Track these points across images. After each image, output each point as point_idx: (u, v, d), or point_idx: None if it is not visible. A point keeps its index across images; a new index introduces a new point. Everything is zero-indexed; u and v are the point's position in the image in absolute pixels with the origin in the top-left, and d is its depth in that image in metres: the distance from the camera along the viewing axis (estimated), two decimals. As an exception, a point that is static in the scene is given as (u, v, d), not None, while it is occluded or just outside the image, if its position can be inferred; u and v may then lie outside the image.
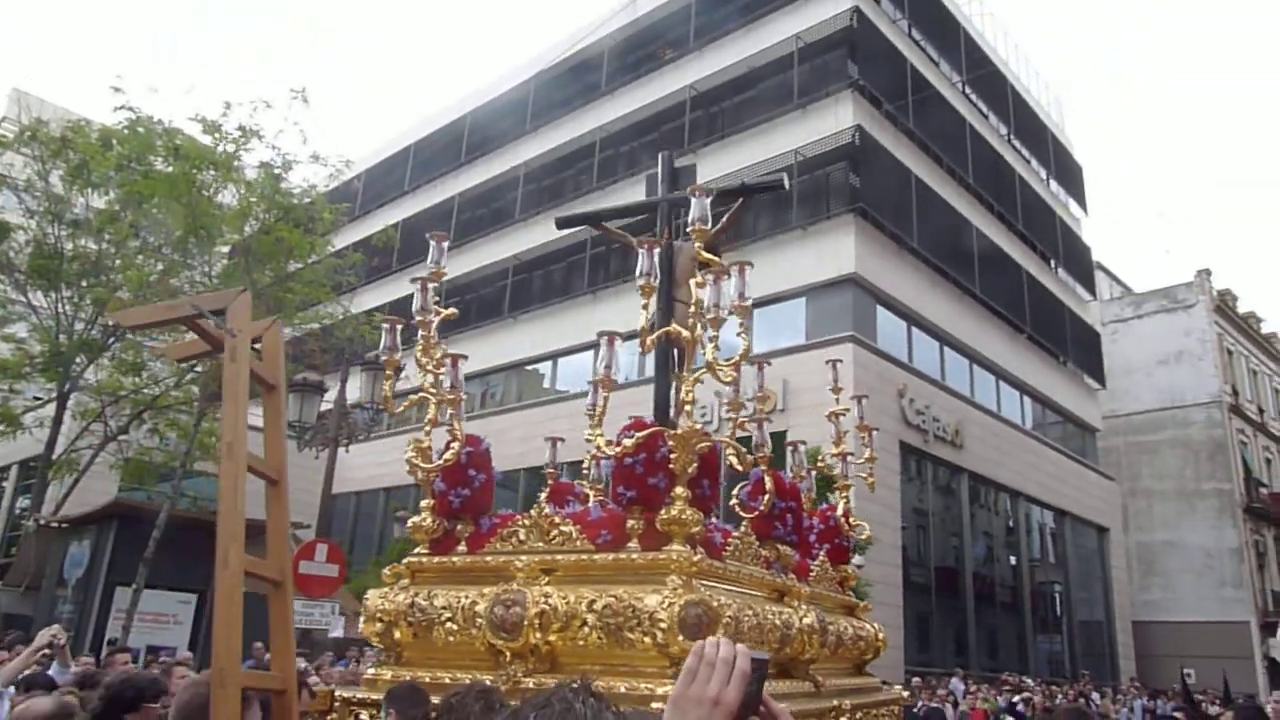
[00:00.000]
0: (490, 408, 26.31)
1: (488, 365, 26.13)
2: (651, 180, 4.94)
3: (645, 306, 3.49)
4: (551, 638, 3.11)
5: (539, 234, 25.80)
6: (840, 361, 4.88)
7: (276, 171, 14.76)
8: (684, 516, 3.14)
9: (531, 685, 3.02)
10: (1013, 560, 24.26)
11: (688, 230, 3.66)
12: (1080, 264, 30.59)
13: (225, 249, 15.66)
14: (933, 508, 21.18)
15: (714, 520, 3.76)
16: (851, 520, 4.88)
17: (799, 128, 21.09)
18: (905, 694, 4.97)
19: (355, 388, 12.42)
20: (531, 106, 27.55)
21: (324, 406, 12.65)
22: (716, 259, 3.64)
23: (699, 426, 3.43)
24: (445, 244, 4.19)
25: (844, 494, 4.92)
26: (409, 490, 26.40)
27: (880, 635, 4.62)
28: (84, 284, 14.88)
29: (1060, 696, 17.08)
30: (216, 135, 14.31)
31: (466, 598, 3.33)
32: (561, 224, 5.56)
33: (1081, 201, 31.58)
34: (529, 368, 26.21)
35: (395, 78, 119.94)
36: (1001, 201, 25.78)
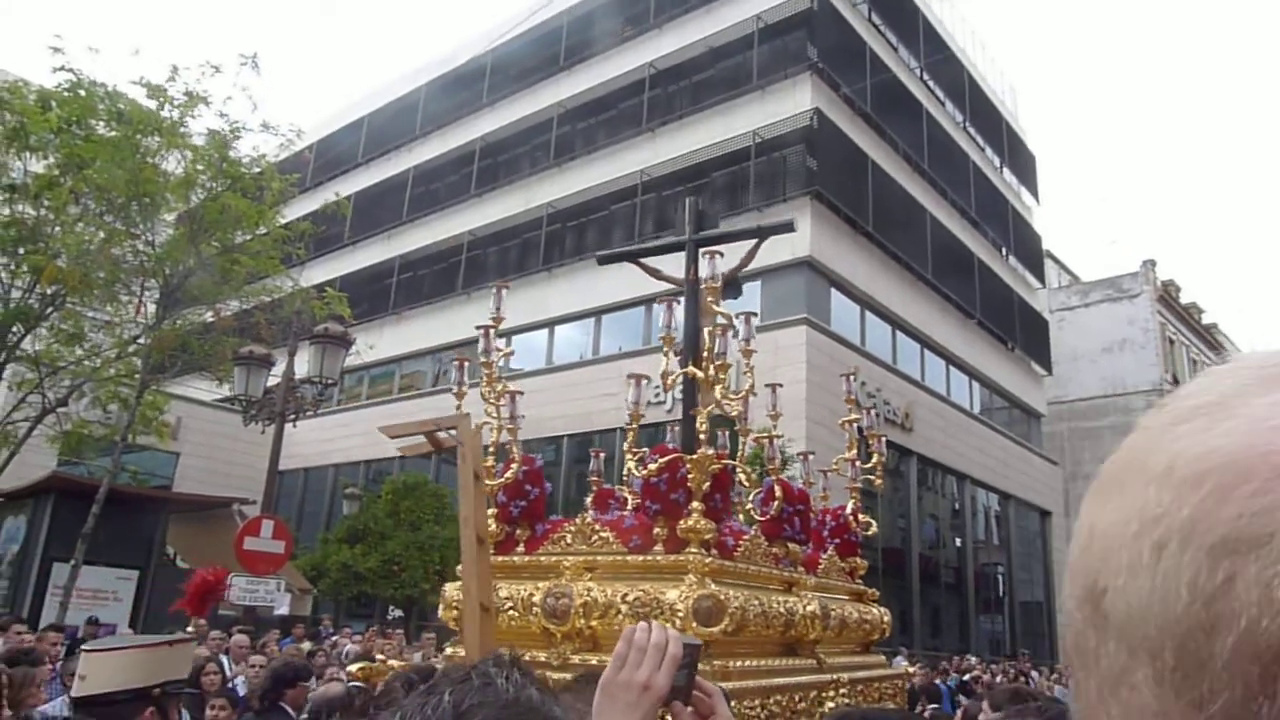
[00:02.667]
0: (442, 386, 26.15)
1: (440, 342, 25.95)
2: (679, 221, 5.54)
3: (666, 354, 4.26)
4: (593, 623, 3.79)
5: (494, 210, 25.62)
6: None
7: (224, 139, 14.46)
8: (699, 526, 3.81)
9: (577, 661, 3.70)
10: (958, 542, 24.83)
11: (705, 279, 4.37)
12: (1030, 252, 31.19)
13: (170, 217, 15.34)
14: (881, 489, 21.58)
15: (734, 522, 4.52)
16: (860, 518, 5.55)
17: (757, 109, 21.17)
18: (910, 670, 5.67)
19: (303, 362, 12.28)
20: (488, 80, 27.26)
21: (271, 381, 12.50)
22: (725, 314, 4.25)
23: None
24: (505, 291, 4.80)
25: (854, 494, 5.60)
26: (358, 467, 26.20)
27: (885, 618, 5.25)
28: (21, 251, 14.47)
29: (1000, 675, 17.58)
30: (162, 100, 13.96)
31: (524, 590, 4.03)
32: (602, 261, 6.38)
33: (1034, 190, 32.17)
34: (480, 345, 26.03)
35: (349, 46, 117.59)
36: (955, 188, 26.16)
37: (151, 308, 14.86)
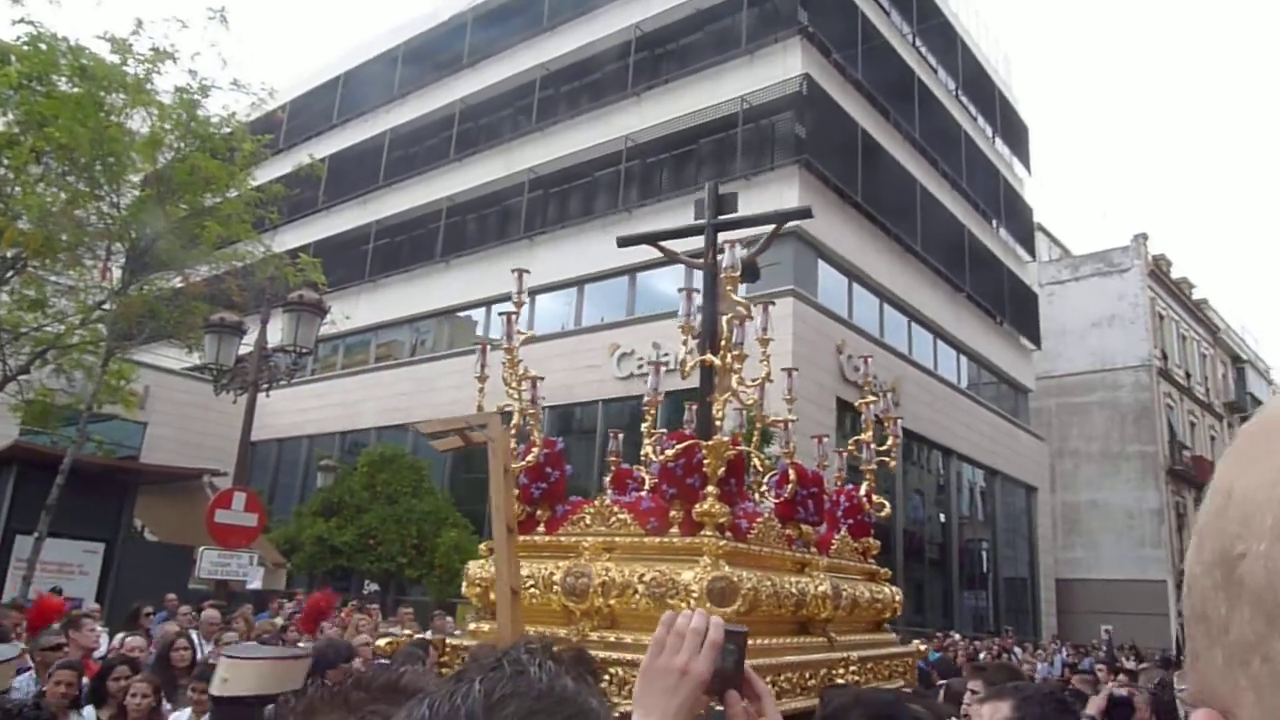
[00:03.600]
0: (420, 355, 26.03)
1: (418, 310, 25.82)
2: (699, 205, 5.72)
3: (685, 342, 4.49)
4: (611, 601, 4.01)
5: (474, 174, 25.38)
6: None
7: (193, 97, 14.16)
8: (714, 510, 4.02)
9: (596, 638, 3.93)
10: (943, 518, 25.05)
11: (724, 268, 4.63)
12: (1021, 224, 31.26)
13: (136, 179, 15.06)
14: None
15: (749, 504, 4.68)
16: (874, 499, 5.75)
17: (746, 74, 21.00)
18: (922, 647, 5.84)
19: (276, 330, 12.13)
20: (469, 40, 26.90)
21: (243, 349, 12.36)
22: (743, 303, 4.55)
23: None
24: (525, 277, 4.92)
25: (869, 476, 5.79)
26: (333, 438, 26.09)
27: (897, 598, 5.45)
28: (-21, 212, 14.18)
29: (984, 652, 17.80)
30: (126, 55, 13.64)
31: (545, 569, 4.24)
32: (622, 243, 6.52)
33: (1026, 161, 32.18)
34: (461, 314, 25.93)
35: (325, 2, 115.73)
36: (946, 158, 26.12)
37: (117, 273, 14.62)
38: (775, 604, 4.15)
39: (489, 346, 4.84)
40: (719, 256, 5.11)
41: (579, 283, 22.50)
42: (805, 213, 6.43)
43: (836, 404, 19.27)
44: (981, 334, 27.39)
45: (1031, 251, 32.31)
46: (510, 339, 4.69)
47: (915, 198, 23.71)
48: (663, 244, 6.13)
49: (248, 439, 11.95)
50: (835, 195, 20.78)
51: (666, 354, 21.68)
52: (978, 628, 24.84)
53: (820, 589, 4.52)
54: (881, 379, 20.98)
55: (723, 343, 4.37)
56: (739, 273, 4.56)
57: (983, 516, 27.56)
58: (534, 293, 23.11)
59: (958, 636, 18.69)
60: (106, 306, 14.07)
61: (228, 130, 14.91)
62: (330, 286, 18.28)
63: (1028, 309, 30.49)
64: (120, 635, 7.96)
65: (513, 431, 4.59)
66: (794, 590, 4.33)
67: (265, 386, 11.95)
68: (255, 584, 11.55)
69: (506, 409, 4.57)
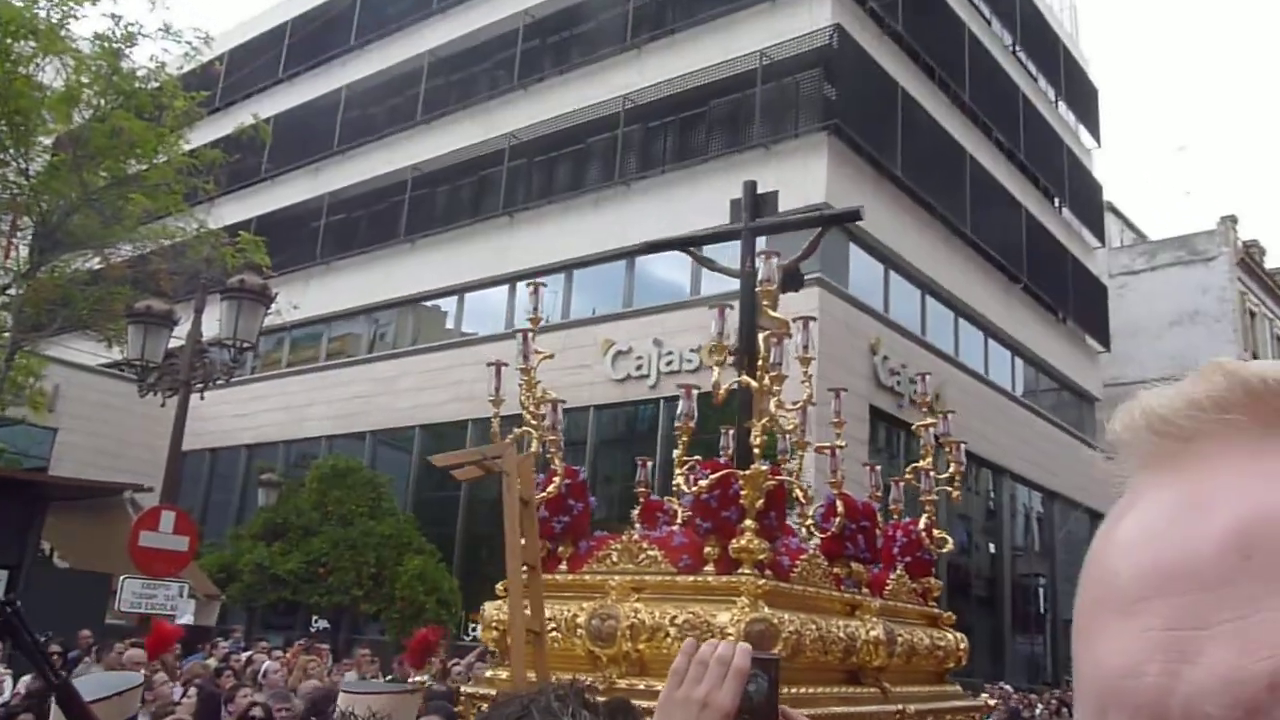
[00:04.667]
0: (379, 351, 26.08)
1: (378, 299, 25.87)
2: (735, 206, 5.95)
3: (719, 364, 4.77)
4: (640, 646, 4.18)
5: (445, 139, 25.41)
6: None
7: (116, 46, 14.21)
8: (752, 546, 4.20)
9: (624, 686, 4.06)
10: (992, 548, 25.12)
11: (760, 281, 5.02)
12: (1089, 204, 31.33)
13: (48, 141, 15.10)
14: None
15: (792, 539, 4.92)
16: (935, 533, 5.93)
17: (765, 25, 21.04)
18: (990, 702, 6.10)
19: (212, 321, 12.17)
20: (440, -20, 26.95)
21: (174, 342, 12.39)
22: (782, 320, 4.90)
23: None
24: (543, 291, 5.31)
25: (929, 508, 5.97)
26: (276, 448, 26.14)
27: (962, 645, 5.68)
28: None
29: (1040, 705, 17.88)
30: (38, -4, 13.70)
31: (568, 611, 4.45)
32: (646, 249, 6.97)
33: (1095, 130, 32.25)
34: (428, 304, 25.98)
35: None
36: (1001, 125, 26.18)
37: (24, 251, 14.66)
38: (821, 650, 4.30)
39: (502, 365, 5.15)
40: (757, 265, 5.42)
41: (567, 267, 22.54)
42: (855, 215, 6.59)
43: (869, 413, 19.33)
44: (1040, 333, 27.47)
45: (1100, 236, 32.39)
46: (527, 358, 5.00)
47: (964, 172, 23.78)
48: (693, 250, 6.49)
49: (178, 448, 11.99)
50: (870, 168, 20.84)
51: (670, 353, 21.67)
52: (1032, 678, 24.91)
53: (872, 634, 4.68)
54: (924, 384, 21.04)
55: (760, 363, 4.60)
56: (776, 285, 4.88)
57: (1039, 547, 27.62)
58: (513, 280, 23.22)
59: (1009, 688, 18.77)
60: (12, 291, 14.11)
61: (156, 85, 14.97)
62: (276, 270, 18.30)
63: (1095, 304, 30.57)
64: (26, 678, 8.00)
65: (532, 458, 4.76)
66: (842, 635, 4.49)
67: (199, 387, 11.99)
68: (186, 619, 11.59)
69: (524, 434, 4.86)
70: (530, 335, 5.08)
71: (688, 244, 6.66)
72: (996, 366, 25.40)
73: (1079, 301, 29.19)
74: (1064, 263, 28.58)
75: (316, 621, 19.90)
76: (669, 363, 19.48)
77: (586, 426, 20.92)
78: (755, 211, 5.84)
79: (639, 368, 19.97)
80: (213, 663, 10.89)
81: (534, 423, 4.96)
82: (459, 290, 24.58)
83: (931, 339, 22.42)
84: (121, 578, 10.91)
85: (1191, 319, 34.29)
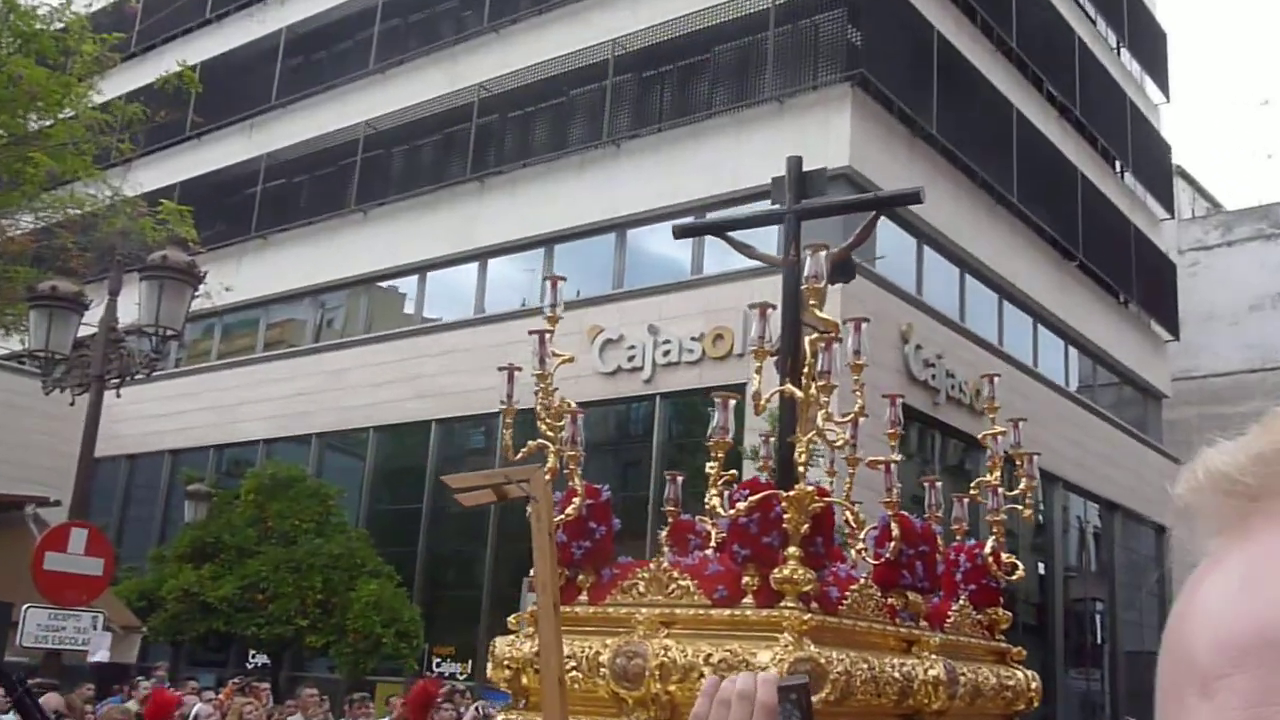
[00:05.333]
0: (327, 340, 26.03)
1: (325, 279, 25.79)
2: (777, 185, 5.99)
3: (759, 370, 4.88)
4: (671, 688, 4.26)
5: (403, 91, 25.34)
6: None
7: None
8: (796, 576, 4.30)
9: None
10: (1041, 568, 25.16)
11: (806, 276, 5.17)
12: (1155, 168, 31.36)
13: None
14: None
15: (839, 566, 5.13)
16: (1003, 558, 6.08)
17: (780, -43, 21.00)
18: None
19: (130, 304, 12.11)
20: (397, -95, 26.83)
21: (84, 330, 12.33)
22: (832, 321, 5.10)
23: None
24: (561, 285, 5.53)
25: (997, 530, 6.12)
26: (206, 453, 26.08)
27: (1034, 685, 5.81)
28: None
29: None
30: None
31: (590, 648, 4.60)
32: (679, 233, 6.88)
33: (1163, 82, 32.29)
34: (384, 284, 25.94)
35: None
36: (1054, 77, 26.18)
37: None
38: (874, 692, 4.41)
39: (515, 370, 5.39)
40: (802, 259, 5.52)
41: (547, 241, 22.51)
42: (914, 197, 6.67)
43: (900, 411, 19.32)
44: (1099, 317, 27.52)
45: (1169, 206, 32.43)
46: (544, 361, 5.19)
47: (1010, 129, 23.79)
48: (731, 235, 6.68)
49: (90, 454, 11.93)
50: (902, 126, 20.84)
51: (667, 341, 21.71)
52: (1089, 718, 25.01)
53: (931, 673, 4.80)
54: (961, 377, 21.10)
55: (805, 369, 4.84)
56: (824, 281, 5.08)
57: (1096, 566, 27.71)
58: (484, 256, 23.19)
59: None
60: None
61: (60, 26, 14.88)
62: (204, 244, 18.25)
63: (1162, 284, 30.63)
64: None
65: (548, 476, 4.97)
66: (897, 675, 4.60)
67: (115, 382, 11.93)
68: (101, 655, 11.53)
69: (541, 447, 5.09)
70: (547, 336, 5.23)
71: (725, 229, 6.81)
72: (1047, 357, 25.46)
73: (1144, 281, 29.25)
74: (1126, 237, 28.64)
75: (254, 657, 19.88)
76: (666, 353, 19.47)
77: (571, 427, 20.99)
78: (801, 192, 5.90)
79: (631, 359, 19.94)
80: (133, 705, 10.87)
81: (551, 434, 5.12)
82: (420, 268, 24.52)
83: (972, 325, 22.46)
84: (24, 607, 10.86)
85: (1274, 303, 34.40)
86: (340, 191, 25.94)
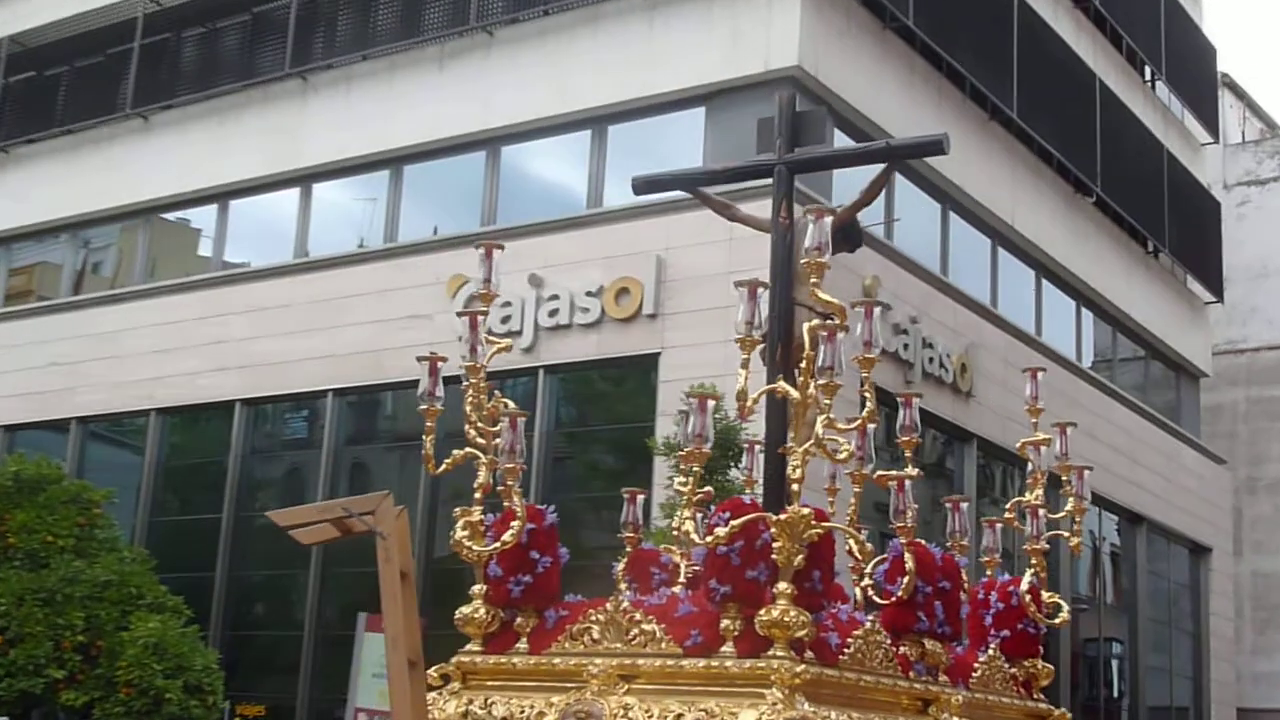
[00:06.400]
0: (92, 290, 25.56)
1: (89, 208, 25.33)
2: (764, 130, 6.18)
3: (745, 364, 5.03)
4: None
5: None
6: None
7: None
8: (787, 619, 4.43)
9: None
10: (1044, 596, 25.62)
11: (804, 251, 5.22)
12: (1196, 77, 31.78)
13: None
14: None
15: (839, 607, 5.31)
16: (1044, 597, 6.32)
17: None
18: None
19: None
20: None
21: None
22: (836, 304, 5.20)
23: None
24: (496, 254, 5.98)
25: (1037, 560, 6.40)
26: (44, 433, 25.31)
27: None
28: None
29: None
30: None
31: (532, 707, 4.77)
32: (640, 188, 7.11)
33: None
34: (171, 215, 25.58)
35: None
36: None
37: None
38: None
39: (439, 360, 5.54)
40: (796, 221, 5.65)
41: (394, 160, 22.31)
42: (937, 146, 6.73)
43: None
44: (1120, 271, 27.93)
45: (1213, 126, 32.85)
46: (476, 353, 5.42)
47: (1009, 23, 23.96)
48: (703, 189, 6.87)
49: None
50: (867, 13, 20.89)
51: (555, 297, 21.77)
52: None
53: None
54: (943, 347, 21.30)
55: (804, 363, 4.96)
56: (828, 253, 5.13)
57: (1114, 596, 28.17)
58: (307, 179, 22.93)
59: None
60: None
61: None
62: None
63: (1203, 228, 31.11)
64: None
65: (479, 494, 5.27)
66: None
67: None
68: None
69: (471, 458, 5.29)
70: (480, 320, 5.46)
71: (696, 183, 7.06)
72: (1054, 320, 25.81)
73: (1179, 224, 29.64)
74: (1157, 165, 29.05)
75: (-11, 719, 19.57)
76: (553, 313, 19.37)
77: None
78: (794, 138, 6.06)
79: (506, 319, 19.80)
80: None
81: (483, 442, 5.32)
82: (221, 195, 24.16)
83: (956, 279, 22.66)
84: None
85: (1344, 253, 34.90)
86: (111, 90, 25.53)
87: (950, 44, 22.28)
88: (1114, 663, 28.14)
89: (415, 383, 19.01)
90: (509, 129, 20.76)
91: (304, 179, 22.97)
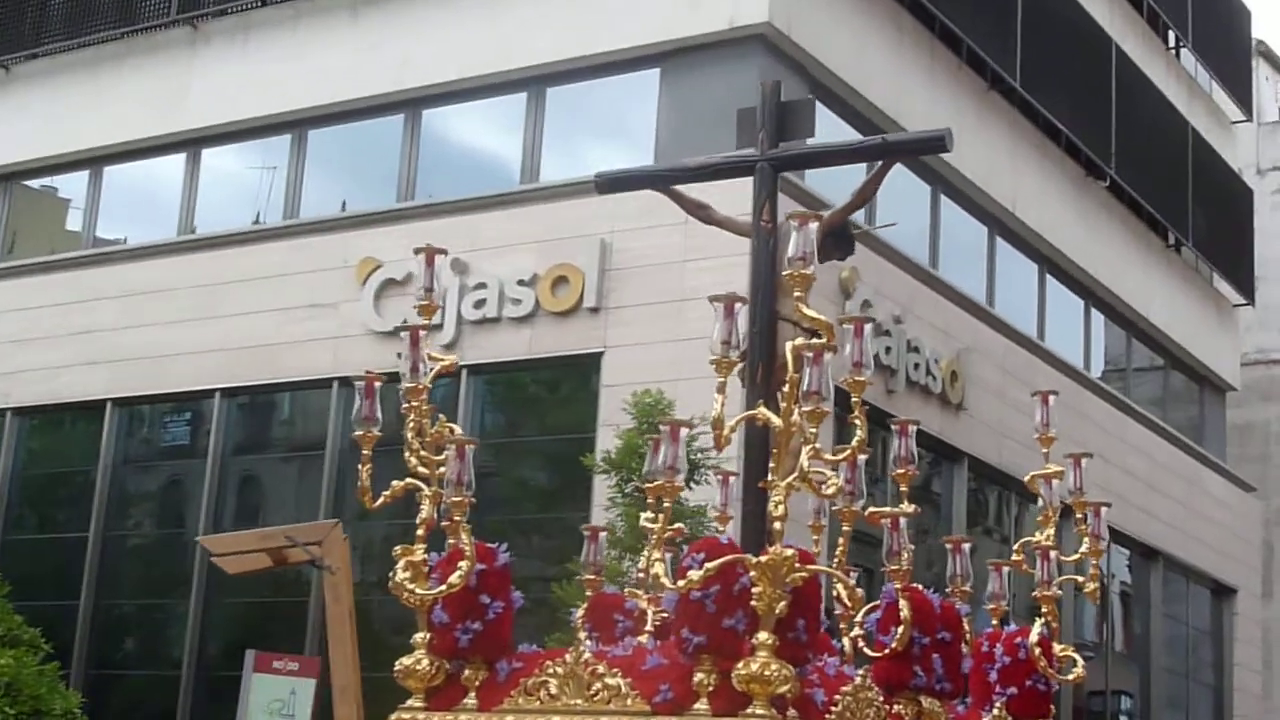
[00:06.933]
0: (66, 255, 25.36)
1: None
2: (744, 119, 6.24)
3: (721, 388, 5.07)
4: None
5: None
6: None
7: None
8: (768, 673, 4.44)
9: None
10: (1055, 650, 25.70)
11: (789, 258, 5.28)
12: (1226, 46, 32.03)
13: None
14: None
15: (827, 660, 5.41)
16: (1056, 650, 6.44)
17: None
18: None
19: None
20: None
21: None
22: (823, 321, 5.35)
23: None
24: (437, 259, 6.16)
25: (1048, 608, 6.50)
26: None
27: None
28: None
29: None
30: None
31: None
32: (604, 188, 7.31)
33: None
34: (34, 183, 25.42)
35: None
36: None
37: None
38: None
39: (375, 379, 5.71)
40: (780, 226, 5.68)
41: (296, 123, 22.23)
42: (938, 143, 6.94)
43: (835, 401, 19.41)
44: (1137, 266, 28.06)
45: (1245, 102, 33.11)
46: (417, 372, 5.63)
47: (1013, -23, 24.06)
48: (677, 189, 6.90)
49: None
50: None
51: (482, 285, 21.81)
52: None
53: None
54: (931, 351, 21.31)
55: (787, 386, 5.02)
56: (814, 264, 5.23)
57: (1123, 643, 28.29)
58: (196, 143, 22.80)
59: None
60: None
61: None
62: None
63: (1232, 218, 31.30)
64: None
65: (421, 530, 5.39)
66: None
67: None
68: None
69: (413, 489, 5.43)
70: (422, 335, 5.67)
71: (663, 181, 7.09)
72: (1059, 323, 25.92)
73: (1205, 214, 29.83)
74: (1180, 145, 29.26)
75: None
76: (479, 304, 19.29)
77: (327, 416, 20.74)
78: (780, 131, 6.11)
79: (418, 304, 19.75)
80: None
81: (426, 471, 5.44)
82: (93, 160, 24.02)
83: (947, 273, 22.75)
84: None
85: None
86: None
87: (946, 4, 22.33)
88: (1122, 719, 28.22)
89: (316, 382, 19.17)
90: (431, 89, 20.68)
91: (191, 143, 22.85)
